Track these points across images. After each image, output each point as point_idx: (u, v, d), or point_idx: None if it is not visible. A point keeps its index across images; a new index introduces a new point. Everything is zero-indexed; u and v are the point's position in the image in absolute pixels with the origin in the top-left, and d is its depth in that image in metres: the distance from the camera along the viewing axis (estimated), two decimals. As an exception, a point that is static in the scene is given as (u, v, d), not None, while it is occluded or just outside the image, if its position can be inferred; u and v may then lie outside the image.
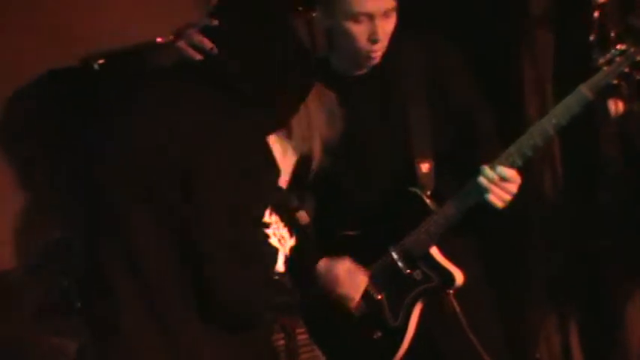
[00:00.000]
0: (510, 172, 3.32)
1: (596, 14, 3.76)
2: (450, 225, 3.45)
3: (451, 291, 3.46)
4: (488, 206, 3.35)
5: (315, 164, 3.32)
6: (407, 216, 3.46)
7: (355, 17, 3.33)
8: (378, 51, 3.40)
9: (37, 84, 4.16)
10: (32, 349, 3.60)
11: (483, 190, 3.33)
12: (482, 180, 3.32)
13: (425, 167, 3.45)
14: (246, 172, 2.65)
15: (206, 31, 2.72)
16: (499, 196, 3.32)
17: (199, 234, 2.61)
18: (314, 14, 3.52)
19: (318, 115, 3.18)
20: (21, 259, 3.91)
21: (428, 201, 3.45)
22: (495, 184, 3.32)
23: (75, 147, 3.20)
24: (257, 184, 2.69)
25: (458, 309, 3.46)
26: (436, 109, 3.48)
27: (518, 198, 3.41)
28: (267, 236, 3.09)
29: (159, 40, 3.88)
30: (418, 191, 3.45)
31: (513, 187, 3.35)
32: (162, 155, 2.62)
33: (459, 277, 3.46)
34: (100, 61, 4.17)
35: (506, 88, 4.20)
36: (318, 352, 3.50)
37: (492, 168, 3.32)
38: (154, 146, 2.64)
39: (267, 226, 3.17)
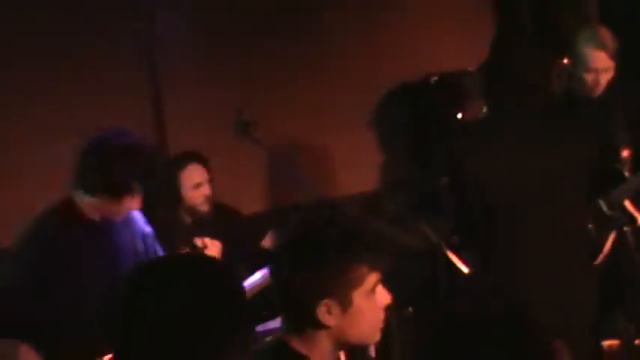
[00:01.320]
0: None
1: None
2: None
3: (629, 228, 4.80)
4: None
5: None
6: (611, 181, 4.75)
7: (588, 70, 4.83)
8: (599, 90, 4.90)
9: (393, 91, 5.53)
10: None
11: None
12: None
13: (625, 152, 4.82)
14: None
15: None
16: None
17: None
18: (563, 62, 4.89)
19: None
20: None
21: (626, 173, 4.81)
22: None
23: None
24: None
25: (632, 241, 4.83)
26: (634, 118, 4.88)
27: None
28: None
29: (470, 69, 5.24)
30: (619, 166, 4.83)
31: None
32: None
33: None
34: (435, 78, 5.50)
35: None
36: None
37: None
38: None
39: None
